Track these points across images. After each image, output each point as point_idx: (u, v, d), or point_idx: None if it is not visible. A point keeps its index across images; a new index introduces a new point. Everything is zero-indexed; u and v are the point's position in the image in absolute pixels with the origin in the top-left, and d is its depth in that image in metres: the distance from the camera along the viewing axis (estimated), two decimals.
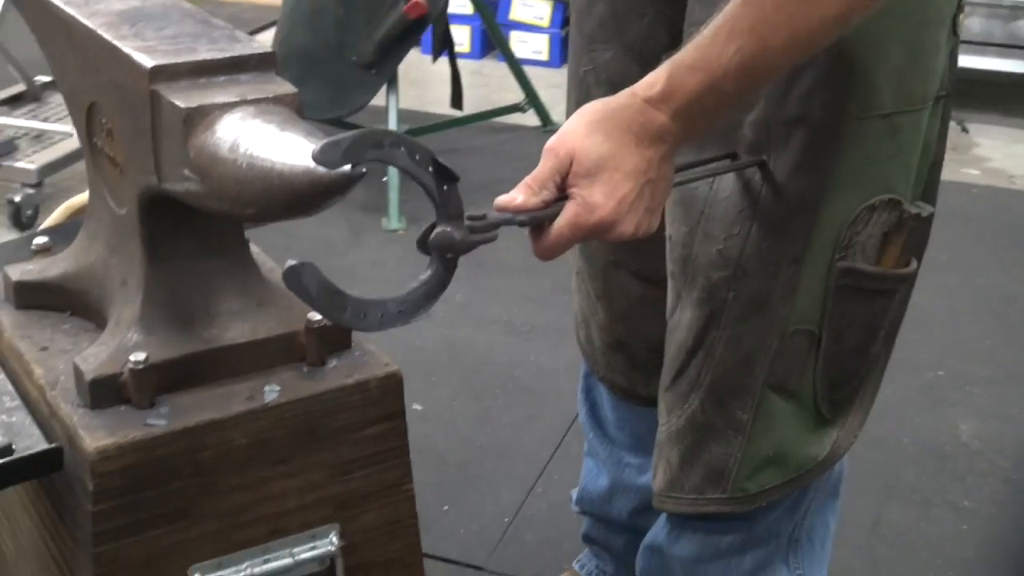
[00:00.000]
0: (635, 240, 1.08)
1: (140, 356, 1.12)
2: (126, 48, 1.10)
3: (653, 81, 1.06)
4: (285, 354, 1.20)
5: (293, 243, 2.66)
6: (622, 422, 1.67)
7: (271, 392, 1.16)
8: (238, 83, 1.09)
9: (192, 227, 1.17)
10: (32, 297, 1.31)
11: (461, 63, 3.68)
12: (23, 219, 3.17)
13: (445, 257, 1.01)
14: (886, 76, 1.16)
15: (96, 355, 1.15)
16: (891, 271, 1.23)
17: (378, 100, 3.34)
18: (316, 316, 1.18)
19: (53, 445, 1.13)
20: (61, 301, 1.30)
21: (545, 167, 1.05)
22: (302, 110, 1.07)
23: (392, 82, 3.34)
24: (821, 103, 1.16)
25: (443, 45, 3.52)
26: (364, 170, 0.94)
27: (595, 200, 1.04)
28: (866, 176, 1.19)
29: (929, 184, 1.27)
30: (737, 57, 1.03)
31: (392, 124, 3.33)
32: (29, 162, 3.26)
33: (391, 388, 1.21)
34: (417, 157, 0.97)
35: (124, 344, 1.15)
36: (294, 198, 0.97)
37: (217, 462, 1.13)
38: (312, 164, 0.94)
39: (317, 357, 1.20)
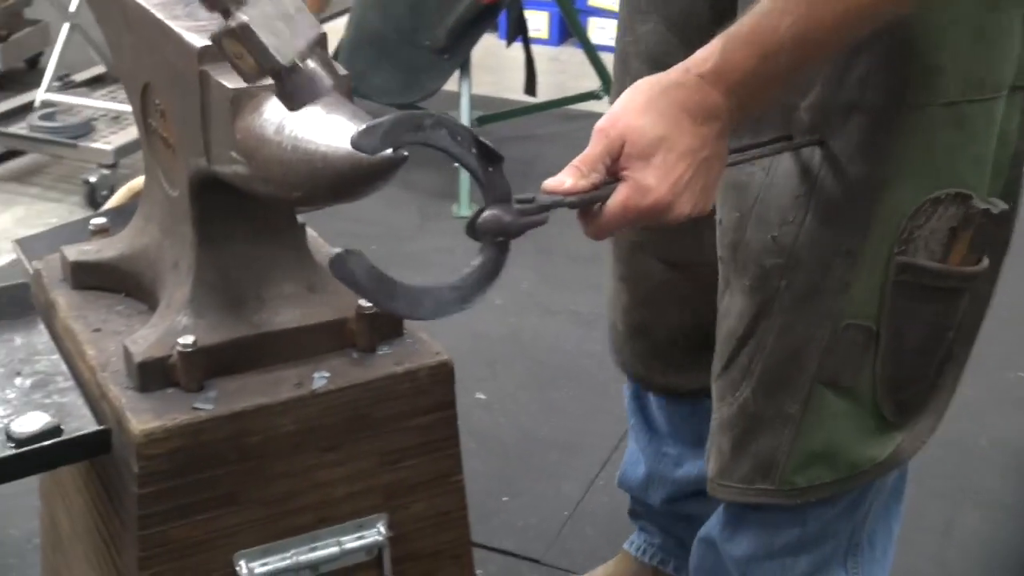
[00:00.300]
0: (689, 220, 1.05)
1: (189, 339, 1.12)
2: (177, 28, 1.10)
3: (706, 56, 1.03)
4: (335, 340, 1.19)
5: (361, 228, 2.66)
6: (663, 408, 1.67)
7: (320, 379, 1.15)
8: None
9: (244, 210, 1.16)
10: (88, 278, 1.31)
11: (539, 49, 3.65)
12: (98, 199, 3.21)
13: (496, 240, 0.99)
14: (949, 63, 1.12)
15: (145, 337, 1.15)
16: (956, 269, 1.18)
17: (452, 86, 3.33)
18: (367, 302, 1.16)
19: (101, 427, 1.13)
20: (116, 282, 1.30)
21: (595, 149, 1.03)
22: (351, 93, 1.05)
23: (465, 67, 3.32)
24: (878, 88, 1.12)
25: (517, 30, 3.50)
26: (406, 154, 0.92)
27: (648, 183, 1.01)
28: (929, 167, 1.15)
29: (1011, 179, 1.22)
30: (792, 30, 1.00)
31: (465, 110, 3.32)
32: (106, 143, 3.31)
33: (442, 377, 1.19)
34: (459, 139, 0.95)
35: (173, 327, 1.14)
36: (338, 182, 0.96)
37: (264, 448, 1.13)
38: None
39: (367, 344, 1.19)
